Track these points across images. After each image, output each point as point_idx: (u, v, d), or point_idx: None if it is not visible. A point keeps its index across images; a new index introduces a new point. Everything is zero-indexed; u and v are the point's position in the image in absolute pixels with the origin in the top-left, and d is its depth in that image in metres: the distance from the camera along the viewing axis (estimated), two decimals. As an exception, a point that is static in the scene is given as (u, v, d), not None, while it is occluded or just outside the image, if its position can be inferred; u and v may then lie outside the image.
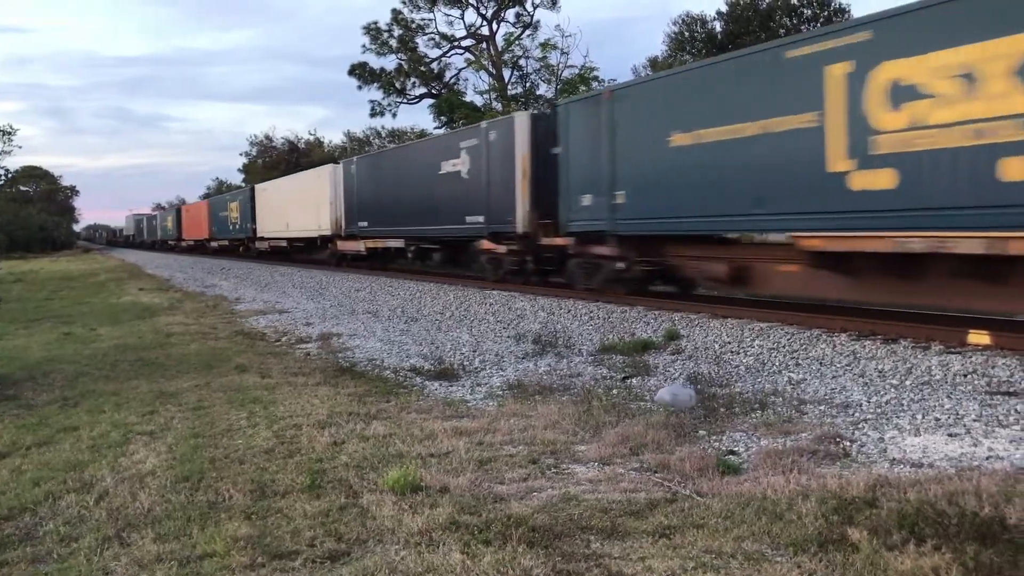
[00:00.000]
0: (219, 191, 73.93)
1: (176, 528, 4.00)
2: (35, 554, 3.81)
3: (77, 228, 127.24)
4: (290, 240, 30.30)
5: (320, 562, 3.57)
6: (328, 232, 25.17)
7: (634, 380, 7.36)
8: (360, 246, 23.44)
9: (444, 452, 5.15)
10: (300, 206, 27.92)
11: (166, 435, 5.83)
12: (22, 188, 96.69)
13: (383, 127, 55.78)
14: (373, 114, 44.33)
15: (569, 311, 11.94)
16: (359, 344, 10.10)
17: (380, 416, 6.18)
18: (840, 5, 41.91)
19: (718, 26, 44.10)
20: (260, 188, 35.67)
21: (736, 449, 5.13)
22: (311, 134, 73.95)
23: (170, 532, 3.95)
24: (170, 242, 59.47)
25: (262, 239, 34.34)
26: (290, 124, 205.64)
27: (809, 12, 42.26)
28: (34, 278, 29.00)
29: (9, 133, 62.03)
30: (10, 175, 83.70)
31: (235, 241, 39.81)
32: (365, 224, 22.83)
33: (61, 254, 63.78)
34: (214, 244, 44.64)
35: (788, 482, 4.26)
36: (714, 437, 5.41)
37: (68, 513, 4.31)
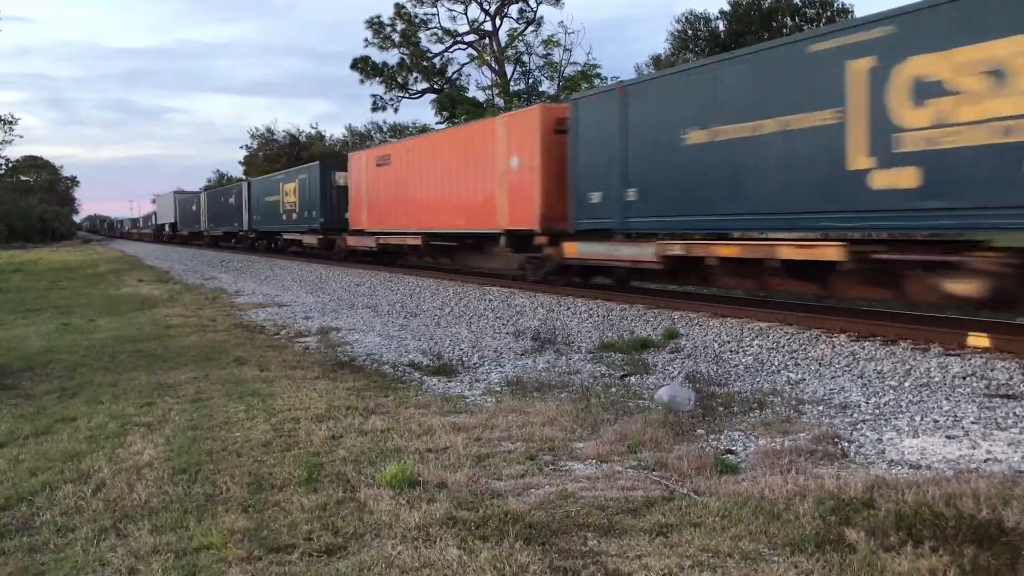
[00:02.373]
0: (219, 184, 70.44)
1: (173, 520, 4.00)
2: (32, 544, 3.81)
3: (77, 219, 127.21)
4: None
5: (317, 556, 3.57)
6: None
7: (633, 378, 7.36)
8: None
9: (442, 448, 5.14)
10: None
11: (164, 427, 5.82)
12: (23, 178, 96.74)
13: (385, 121, 55.63)
14: (375, 108, 44.27)
15: (568, 308, 11.94)
16: (358, 339, 10.10)
17: (378, 411, 6.18)
18: (843, 5, 41.89)
19: (721, 24, 44.07)
20: None
21: (734, 448, 5.13)
22: (313, 128, 73.45)
23: (167, 524, 3.95)
24: (290, 236, 28.94)
25: None
26: (291, 117, 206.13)
27: (812, 12, 42.24)
28: (33, 268, 28.98)
29: (10, 123, 61.88)
30: (11, 165, 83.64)
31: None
32: None
33: (61, 244, 63.79)
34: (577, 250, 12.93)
35: (786, 482, 4.25)
36: (712, 436, 5.41)
37: (65, 504, 4.30)
